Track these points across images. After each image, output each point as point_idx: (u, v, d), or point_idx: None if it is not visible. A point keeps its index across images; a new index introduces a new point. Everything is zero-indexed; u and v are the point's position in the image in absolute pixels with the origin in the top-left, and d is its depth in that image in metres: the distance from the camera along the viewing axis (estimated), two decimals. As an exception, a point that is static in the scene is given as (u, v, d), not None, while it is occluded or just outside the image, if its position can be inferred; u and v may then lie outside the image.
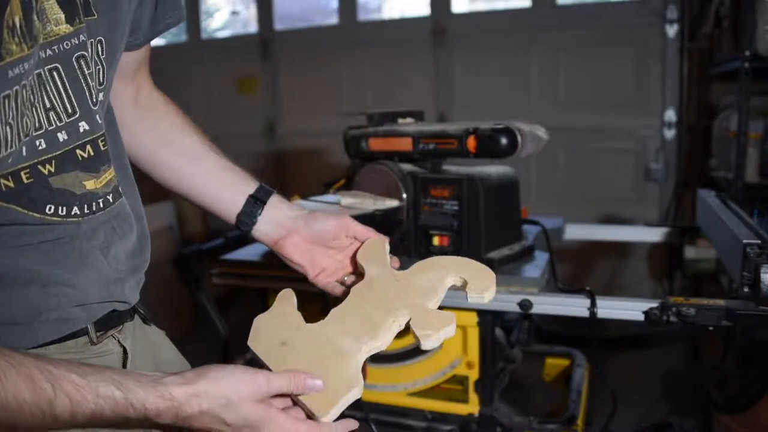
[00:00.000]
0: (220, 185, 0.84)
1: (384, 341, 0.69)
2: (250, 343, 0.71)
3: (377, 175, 1.27)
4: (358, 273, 0.81)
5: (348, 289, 0.78)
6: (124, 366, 0.71)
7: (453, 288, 0.75)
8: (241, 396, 0.58)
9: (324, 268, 0.84)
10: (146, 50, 0.82)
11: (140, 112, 0.82)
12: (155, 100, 0.85)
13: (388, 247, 0.81)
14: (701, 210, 1.41)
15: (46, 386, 0.49)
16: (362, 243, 0.83)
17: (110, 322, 0.69)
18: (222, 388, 0.57)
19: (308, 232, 0.82)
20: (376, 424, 1.25)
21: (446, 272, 0.74)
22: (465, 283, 0.74)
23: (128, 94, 0.81)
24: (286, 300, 0.75)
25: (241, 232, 0.85)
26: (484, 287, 0.73)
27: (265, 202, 0.83)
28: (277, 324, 0.72)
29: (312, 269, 0.84)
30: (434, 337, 0.68)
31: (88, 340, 0.66)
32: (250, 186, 0.84)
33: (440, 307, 0.73)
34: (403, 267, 0.79)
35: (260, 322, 0.73)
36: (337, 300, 0.77)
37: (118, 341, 0.71)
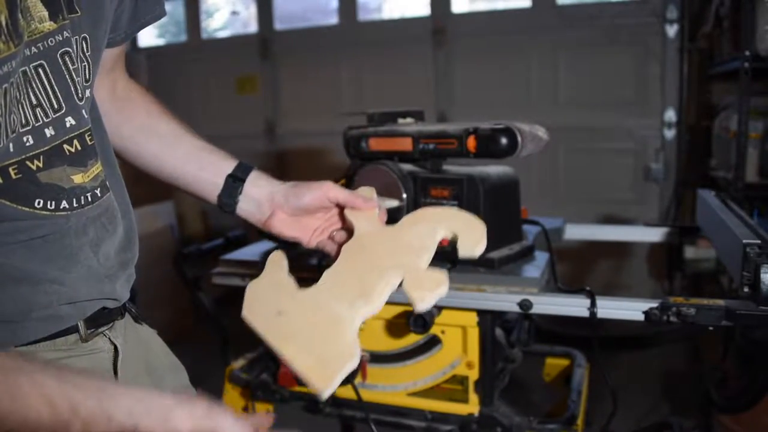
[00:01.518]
0: (199, 167, 0.84)
1: (378, 304, 0.69)
2: (244, 314, 0.70)
3: (377, 175, 1.27)
4: (348, 228, 0.81)
5: (340, 247, 0.78)
6: (115, 364, 0.71)
7: (443, 241, 0.75)
8: None
9: (315, 229, 0.85)
10: (123, 46, 0.82)
11: (118, 105, 0.82)
12: (131, 91, 0.85)
13: (375, 197, 0.81)
14: (701, 210, 1.41)
15: (64, 411, 0.51)
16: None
17: (100, 319, 0.69)
18: None
19: (290, 208, 0.82)
20: (376, 424, 1.24)
21: (436, 225, 0.74)
22: (455, 236, 0.73)
23: (105, 89, 0.81)
24: (278, 263, 0.75)
25: (225, 211, 0.85)
26: (474, 242, 0.72)
27: (244, 180, 0.84)
28: (271, 291, 0.72)
29: (305, 236, 0.84)
30: (429, 298, 0.68)
31: (78, 338, 0.67)
32: (228, 165, 0.84)
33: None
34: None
35: (253, 289, 0.73)
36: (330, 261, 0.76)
37: (109, 339, 0.71)
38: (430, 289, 0.68)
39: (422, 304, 0.68)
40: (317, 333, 0.66)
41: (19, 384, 0.50)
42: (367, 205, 0.79)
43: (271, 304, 0.70)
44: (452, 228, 0.74)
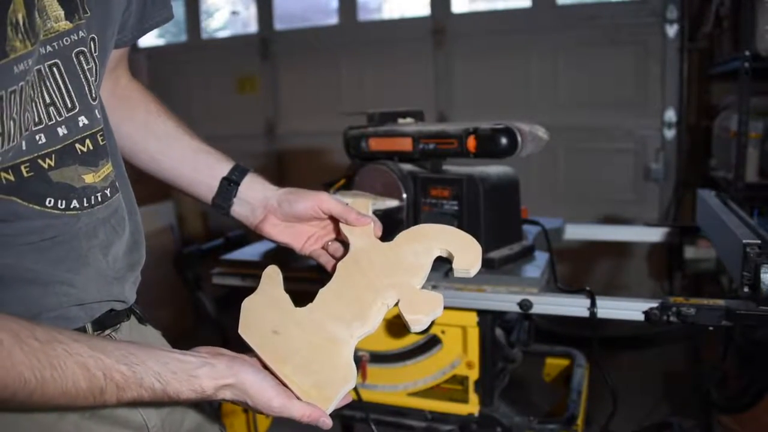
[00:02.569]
0: (194, 169, 0.85)
1: (374, 325, 0.70)
2: (241, 331, 0.71)
3: (377, 175, 1.27)
4: (342, 240, 0.81)
5: (334, 260, 0.78)
6: None
7: (439, 259, 0.75)
8: (266, 407, 0.62)
9: (309, 236, 0.85)
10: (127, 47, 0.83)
11: (117, 103, 0.82)
12: (132, 90, 0.86)
13: (371, 211, 0.81)
14: (701, 210, 1.41)
15: (99, 375, 0.53)
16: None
17: (108, 321, 0.70)
18: (250, 391, 0.61)
19: (282, 214, 0.83)
20: (376, 424, 1.25)
21: (432, 244, 0.74)
22: (451, 255, 0.73)
23: (106, 87, 0.81)
24: (272, 279, 0.75)
25: (220, 213, 0.85)
26: (470, 263, 0.72)
27: (239, 184, 0.84)
28: (266, 307, 0.72)
29: (297, 242, 0.85)
30: (424, 321, 0.69)
31: None
32: (224, 168, 0.84)
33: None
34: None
35: (249, 305, 0.73)
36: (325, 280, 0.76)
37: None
38: (425, 313, 0.69)
39: (417, 326, 0.69)
40: (314, 354, 0.67)
41: (56, 354, 0.51)
42: (360, 222, 0.78)
43: (267, 322, 0.71)
44: (448, 247, 0.73)
